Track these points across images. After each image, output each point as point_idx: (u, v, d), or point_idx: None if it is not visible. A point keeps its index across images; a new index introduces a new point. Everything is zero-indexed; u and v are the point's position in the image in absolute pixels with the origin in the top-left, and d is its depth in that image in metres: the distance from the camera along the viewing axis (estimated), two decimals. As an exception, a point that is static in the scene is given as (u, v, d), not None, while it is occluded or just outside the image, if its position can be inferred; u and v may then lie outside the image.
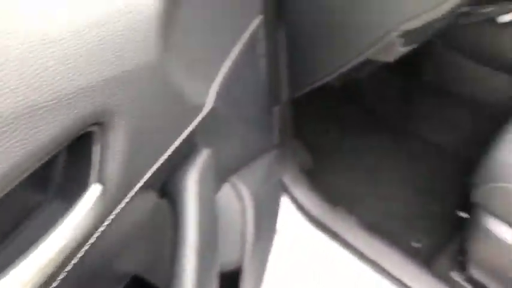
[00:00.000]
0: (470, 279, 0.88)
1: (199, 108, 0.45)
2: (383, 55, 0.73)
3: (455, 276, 0.90)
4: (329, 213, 0.88)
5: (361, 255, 0.82)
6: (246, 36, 0.60)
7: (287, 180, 0.84)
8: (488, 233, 0.79)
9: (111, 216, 0.35)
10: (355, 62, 0.75)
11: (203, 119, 0.44)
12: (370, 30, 0.69)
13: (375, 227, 1.03)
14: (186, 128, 0.42)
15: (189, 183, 0.44)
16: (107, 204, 0.34)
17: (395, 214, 1.13)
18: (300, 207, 0.83)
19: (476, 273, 0.83)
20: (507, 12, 0.95)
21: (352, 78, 1.13)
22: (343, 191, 1.17)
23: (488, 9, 0.85)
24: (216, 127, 0.49)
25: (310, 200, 0.85)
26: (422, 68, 1.37)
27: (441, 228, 1.06)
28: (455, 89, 1.33)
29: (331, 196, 1.12)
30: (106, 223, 0.35)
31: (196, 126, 0.43)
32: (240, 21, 0.59)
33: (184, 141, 0.41)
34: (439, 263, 0.96)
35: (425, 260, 0.96)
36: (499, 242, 0.77)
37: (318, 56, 0.80)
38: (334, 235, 0.84)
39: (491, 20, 1.10)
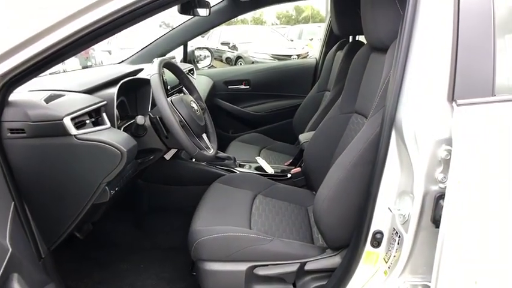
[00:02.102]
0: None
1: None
2: (103, 198, 1.22)
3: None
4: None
5: None
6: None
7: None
8: (208, 273, 1.32)
9: None
10: (86, 208, 1.20)
11: None
12: (87, 186, 1.18)
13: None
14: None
15: None
16: None
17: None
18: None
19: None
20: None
21: (88, 222, 1.55)
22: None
23: (151, 157, 1.51)
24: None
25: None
26: (135, 202, 1.96)
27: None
28: (170, 207, 1.96)
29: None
30: None
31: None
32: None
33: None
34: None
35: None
36: (217, 274, 1.32)
37: (59, 215, 1.21)
38: None
39: (163, 158, 1.82)
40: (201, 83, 2.58)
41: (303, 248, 1.35)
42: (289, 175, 1.90)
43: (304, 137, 1.95)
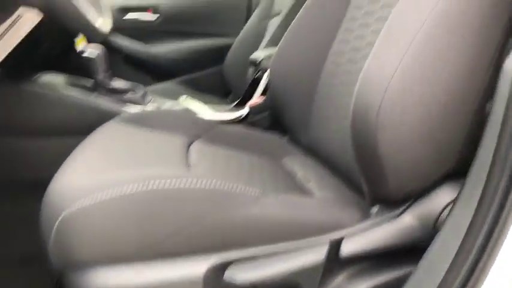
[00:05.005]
0: None
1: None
2: None
3: None
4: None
5: None
6: None
7: None
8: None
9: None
10: None
11: None
12: None
13: None
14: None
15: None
16: None
17: None
18: None
19: None
20: None
21: None
22: None
23: None
24: None
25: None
26: None
27: None
28: (23, 178, 1.03)
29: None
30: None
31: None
32: None
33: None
34: None
35: None
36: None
37: None
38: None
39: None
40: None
41: (325, 207, 0.61)
42: (245, 111, 1.14)
43: (258, 55, 1.24)
